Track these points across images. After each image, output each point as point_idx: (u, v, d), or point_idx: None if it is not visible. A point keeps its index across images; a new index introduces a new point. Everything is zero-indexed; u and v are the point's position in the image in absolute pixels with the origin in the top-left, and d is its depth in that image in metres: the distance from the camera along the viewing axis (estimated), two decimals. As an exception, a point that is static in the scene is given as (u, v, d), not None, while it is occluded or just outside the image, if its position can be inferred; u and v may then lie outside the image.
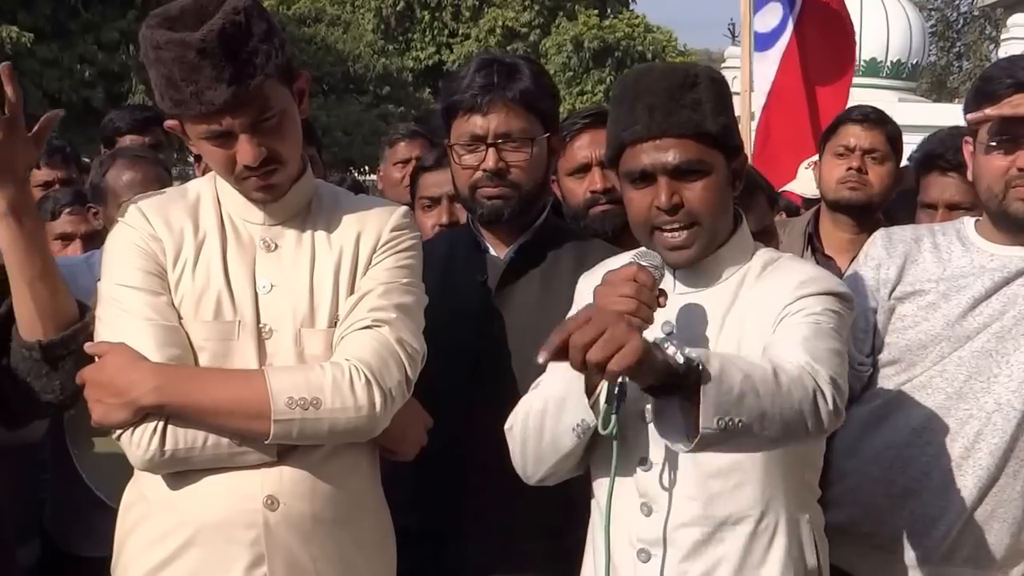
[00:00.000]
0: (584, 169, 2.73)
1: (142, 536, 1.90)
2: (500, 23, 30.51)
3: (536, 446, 1.92)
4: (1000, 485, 2.17)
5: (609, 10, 32.45)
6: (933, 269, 2.24)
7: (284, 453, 1.85)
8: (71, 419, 2.33)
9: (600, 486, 1.94)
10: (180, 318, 1.87)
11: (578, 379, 1.79)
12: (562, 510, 2.20)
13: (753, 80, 5.11)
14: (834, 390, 1.67)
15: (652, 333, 1.83)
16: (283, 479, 1.85)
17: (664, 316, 1.87)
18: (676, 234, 1.86)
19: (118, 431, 1.82)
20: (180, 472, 1.84)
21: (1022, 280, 2.17)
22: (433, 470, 2.20)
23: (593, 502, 2.02)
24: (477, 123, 2.24)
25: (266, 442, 1.81)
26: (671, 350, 1.55)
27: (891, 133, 3.26)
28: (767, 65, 5.17)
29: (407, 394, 1.90)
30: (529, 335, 2.20)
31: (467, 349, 2.25)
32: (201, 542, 1.84)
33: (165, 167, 2.99)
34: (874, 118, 3.28)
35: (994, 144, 2.14)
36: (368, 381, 1.82)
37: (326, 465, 1.88)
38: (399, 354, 1.87)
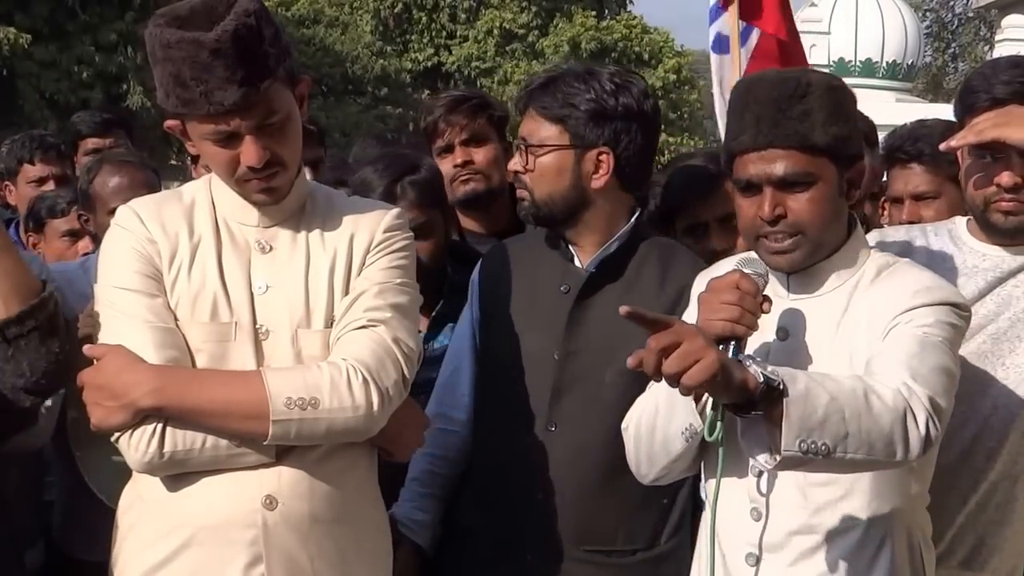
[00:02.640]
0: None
1: (140, 537, 1.90)
2: (498, 24, 30.45)
3: (648, 447, 1.94)
4: (997, 488, 2.17)
5: (606, 11, 32.42)
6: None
7: (282, 453, 1.85)
8: (74, 421, 2.32)
9: (710, 488, 1.94)
10: (177, 320, 1.87)
11: None
12: (635, 519, 2.25)
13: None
14: (930, 412, 1.63)
15: (762, 338, 1.85)
16: (281, 479, 1.85)
17: (779, 322, 1.89)
18: (779, 240, 1.87)
19: (116, 434, 1.82)
20: (178, 473, 1.85)
21: (1015, 281, 2.18)
22: (508, 475, 2.26)
23: (706, 504, 2.02)
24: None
25: (264, 443, 1.82)
26: (753, 368, 1.53)
27: (864, 129, 3.27)
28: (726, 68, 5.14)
29: (404, 393, 1.91)
30: (607, 345, 2.21)
31: (549, 358, 2.27)
32: (199, 542, 1.85)
33: (155, 170, 2.96)
34: None
35: (973, 159, 2.16)
36: (365, 380, 1.83)
37: (324, 465, 1.88)
38: (396, 353, 1.88)
